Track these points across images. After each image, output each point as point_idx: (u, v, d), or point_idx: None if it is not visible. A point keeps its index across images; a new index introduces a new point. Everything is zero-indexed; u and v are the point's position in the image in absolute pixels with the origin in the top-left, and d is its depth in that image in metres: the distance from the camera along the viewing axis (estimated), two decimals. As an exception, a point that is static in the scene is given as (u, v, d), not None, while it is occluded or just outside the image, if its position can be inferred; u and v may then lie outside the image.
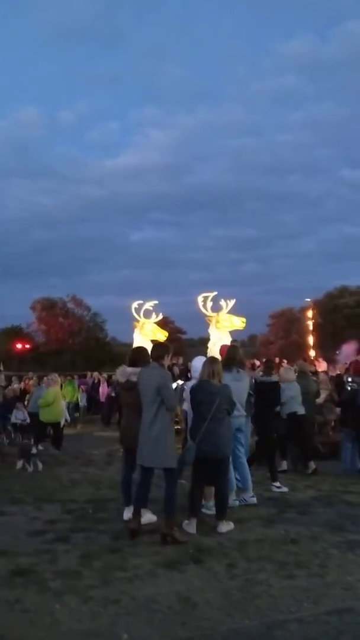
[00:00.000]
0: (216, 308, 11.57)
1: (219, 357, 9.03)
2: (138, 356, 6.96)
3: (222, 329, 11.34)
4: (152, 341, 12.35)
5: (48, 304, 60.20)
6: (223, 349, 11.82)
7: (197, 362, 7.45)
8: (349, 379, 10.69)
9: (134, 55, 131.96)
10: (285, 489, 8.19)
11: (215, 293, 11.67)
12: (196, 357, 8.10)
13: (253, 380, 9.08)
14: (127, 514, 6.60)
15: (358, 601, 4.43)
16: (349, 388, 10.36)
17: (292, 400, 9.71)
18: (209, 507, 6.72)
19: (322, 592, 4.58)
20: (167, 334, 13.49)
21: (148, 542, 5.78)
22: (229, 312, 11.49)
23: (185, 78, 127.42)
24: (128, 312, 13.26)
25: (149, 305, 13.27)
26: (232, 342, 10.34)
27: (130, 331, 13.44)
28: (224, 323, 11.40)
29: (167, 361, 6.33)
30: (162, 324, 13.81)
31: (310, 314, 35.37)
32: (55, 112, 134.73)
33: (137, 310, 13.19)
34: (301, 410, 9.73)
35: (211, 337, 11.34)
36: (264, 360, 10.95)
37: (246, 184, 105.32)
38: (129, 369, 6.79)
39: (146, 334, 12.83)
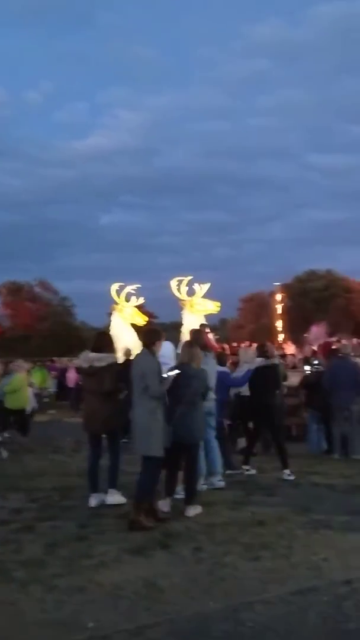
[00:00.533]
0: (190, 292, 11.50)
1: None
2: (101, 342, 6.90)
3: (197, 313, 11.24)
4: (132, 325, 12.25)
5: (14, 288, 59.21)
6: (192, 333, 11.81)
7: (165, 347, 7.39)
8: (315, 361, 10.79)
9: (102, 34, 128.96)
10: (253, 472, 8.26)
11: (190, 277, 11.59)
12: (164, 342, 8.04)
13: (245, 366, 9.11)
14: (94, 501, 6.58)
15: (322, 581, 4.48)
16: (315, 370, 10.46)
17: None
18: (178, 492, 6.73)
19: (287, 573, 4.62)
20: (146, 318, 13.29)
21: (115, 529, 5.76)
22: (204, 296, 11.44)
23: (154, 58, 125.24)
24: (99, 296, 13.15)
25: (131, 288, 13.07)
26: (201, 325, 10.32)
27: (100, 315, 13.36)
28: (198, 307, 11.30)
29: (158, 347, 6.28)
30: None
31: (279, 297, 35.57)
32: (20, 92, 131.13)
33: (118, 292, 12.97)
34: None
35: (185, 321, 11.20)
36: (258, 344, 10.82)
37: (217, 167, 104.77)
38: (92, 355, 6.73)
39: (125, 317, 12.66)
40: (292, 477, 7.88)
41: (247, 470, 8.26)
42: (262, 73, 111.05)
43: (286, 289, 44.08)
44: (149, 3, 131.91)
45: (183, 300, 11.36)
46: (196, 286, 11.45)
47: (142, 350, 6.32)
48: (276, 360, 9.20)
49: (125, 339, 11.40)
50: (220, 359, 8.65)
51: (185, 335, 10.18)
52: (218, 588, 4.37)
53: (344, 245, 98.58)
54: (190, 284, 11.54)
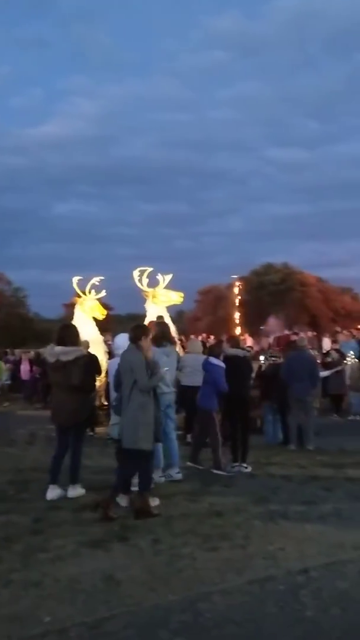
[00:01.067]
0: (152, 283, 11.39)
1: None
2: (65, 334, 6.83)
3: (160, 304, 11.14)
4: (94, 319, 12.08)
5: (-36, 278, 57.90)
6: (151, 325, 11.73)
7: (120, 339, 7.35)
8: (271, 354, 10.91)
9: (61, 20, 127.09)
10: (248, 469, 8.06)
11: (151, 269, 11.48)
12: (119, 334, 7.97)
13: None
14: (51, 493, 6.50)
15: (279, 569, 4.53)
16: (271, 362, 10.58)
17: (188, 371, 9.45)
18: (134, 484, 6.68)
19: (244, 563, 4.66)
20: (105, 312, 13.13)
21: (72, 522, 5.70)
22: (166, 287, 11.35)
23: (114, 47, 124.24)
24: (53, 287, 12.99)
25: (95, 280, 12.85)
26: (158, 317, 10.29)
27: (55, 307, 13.20)
28: (162, 298, 11.20)
29: (145, 342, 6.25)
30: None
31: (236, 290, 35.82)
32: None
33: (80, 285, 12.74)
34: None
35: (148, 313, 11.12)
36: (230, 335, 10.69)
37: (176, 158, 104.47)
38: (58, 349, 6.68)
39: (86, 310, 12.47)
40: (249, 469, 7.94)
41: (246, 467, 8.08)
42: (221, 65, 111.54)
43: (243, 282, 44.37)
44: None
45: (146, 291, 11.22)
46: (159, 277, 11.33)
47: (129, 346, 6.32)
48: (245, 352, 9.18)
49: (86, 332, 11.26)
50: (213, 351, 8.64)
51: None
52: (176, 579, 4.37)
53: (301, 239, 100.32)
54: (152, 275, 11.44)
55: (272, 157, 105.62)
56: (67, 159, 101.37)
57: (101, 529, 5.44)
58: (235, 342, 9.12)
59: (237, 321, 33.80)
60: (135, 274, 11.31)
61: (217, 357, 8.31)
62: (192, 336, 16.71)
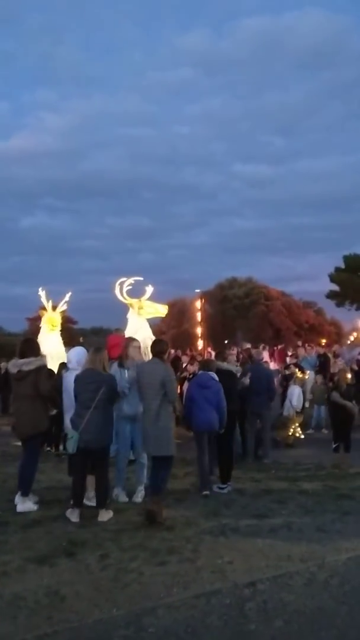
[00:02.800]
0: (133, 295, 11.08)
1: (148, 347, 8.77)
2: (27, 348, 6.87)
3: (145, 316, 10.81)
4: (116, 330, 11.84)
5: None
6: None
7: (74, 354, 7.30)
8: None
9: (28, 35, 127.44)
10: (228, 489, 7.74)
11: (132, 281, 11.07)
12: (73, 348, 7.88)
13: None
14: (22, 506, 6.47)
15: (226, 583, 4.55)
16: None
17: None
18: (89, 498, 6.63)
19: (191, 577, 4.66)
20: (56, 325, 12.91)
21: (20, 538, 5.61)
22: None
23: (81, 62, 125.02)
24: (16, 300, 12.83)
25: (67, 296, 12.67)
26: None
27: (18, 320, 13.01)
28: (148, 309, 10.83)
29: (166, 356, 6.53)
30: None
31: (198, 304, 35.95)
32: None
33: (47, 297, 12.54)
34: None
35: (130, 324, 10.60)
36: (218, 350, 10.27)
37: (142, 173, 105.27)
38: (21, 360, 6.69)
39: (53, 323, 12.27)
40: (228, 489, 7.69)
41: (222, 488, 7.72)
42: (188, 82, 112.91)
43: (208, 295, 44.58)
44: (79, 7, 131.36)
45: (130, 302, 10.88)
46: (148, 287, 10.96)
47: (154, 360, 6.58)
48: (232, 367, 8.90)
49: (50, 346, 11.08)
50: (207, 365, 8.29)
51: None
52: (122, 594, 4.36)
53: (265, 253, 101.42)
54: (134, 286, 11.16)
55: (238, 173, 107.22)
56: (34, 172, 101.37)
57: (48, 545, 5.38)
58: (222, 356, 8.84)
59: (200, 335, 33.82)
60: (116, 285, 10.99)
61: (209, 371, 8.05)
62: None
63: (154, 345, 6.87)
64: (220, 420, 7.58)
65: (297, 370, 13.01)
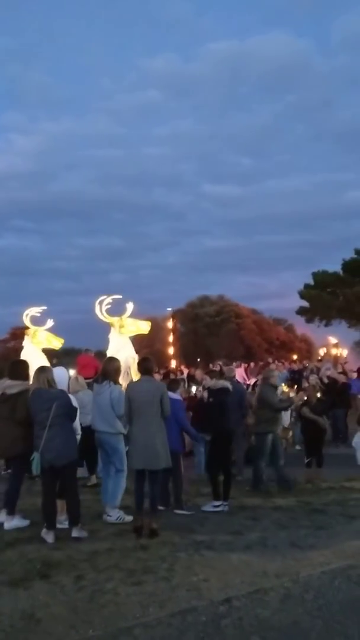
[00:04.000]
0: (113, 313, 10.95)
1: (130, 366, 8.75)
2: (17, 370, 7.04)
3: (127, 334, 10.61)
4: (45, 350, 11.68)
5: None
6: (82, 360, 11.50)
7: (57, 373, 7.23)
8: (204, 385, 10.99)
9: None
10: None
11: (111, 300, 10.91)
12: (55, 367, 7.80)
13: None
14: (8, 524, 6.51)
15: (201, 601, 4.56)
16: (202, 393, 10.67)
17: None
18: (61, 522, 6.57)
19: (167, 596, 4.66)
20: (63, 340, 12.65)
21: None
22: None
23: (49, 85, 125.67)
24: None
25: (35, 311, 12.42)
26: (85, 350, 10.15)
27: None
28: (130, 327, 10.59)
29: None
30: (23, 335, 12.95)
31: (170, 323, 36.04)
32: None
33: (29, 317, 12.32)
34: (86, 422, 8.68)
35: (112, 344, 10.22)
36: (212, 367, 10.06)
37: (112, 194, 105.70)
38: (7, 382, 6.81)
39: (39, 342, 11.93)
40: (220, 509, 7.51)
41: (216, 506, 7.55)
42: (156, 104, 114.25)
43: (179, 314, 44.73)
44: (48, 31, 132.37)
45: (111, 321, 10.68)
46: (130, 305, 10.79)
47: (145, 377, 6.77)
48: (226, 384, 8.50)
49: (37, 364, 10.88)
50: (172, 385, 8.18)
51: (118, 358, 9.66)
52: (98, 615, 4.34)
53: (236, 272, 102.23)
54: (113, 304, 11.02)
55: (207, 193, 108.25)
56: (3, 194, 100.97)
57: (21, 567, 5.31)
58: (219, 373, 8.84)
59: (172, 353, 33.89)
60: (96, 305, 10.84)
61: (173, 391, 7.96)
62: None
63: (143, 362, 6.98)
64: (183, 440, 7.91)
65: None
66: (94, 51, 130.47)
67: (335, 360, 25.19)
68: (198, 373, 16.76)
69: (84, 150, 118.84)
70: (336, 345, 35.34)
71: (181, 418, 7.81)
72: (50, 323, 12.12)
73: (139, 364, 7.10)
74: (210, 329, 52.70)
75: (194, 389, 12.09)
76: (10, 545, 5.94)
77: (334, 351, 33.62)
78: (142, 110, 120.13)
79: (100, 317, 10.56)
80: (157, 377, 13.38)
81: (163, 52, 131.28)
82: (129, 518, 6.83)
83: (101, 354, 11.85)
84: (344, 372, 16.40)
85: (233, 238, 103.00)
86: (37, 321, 12.17)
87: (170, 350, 36.37)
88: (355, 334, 42.56)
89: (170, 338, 38.81)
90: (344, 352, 33.26)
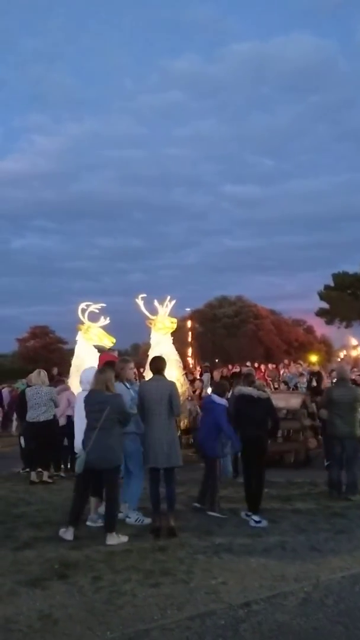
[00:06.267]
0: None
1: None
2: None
3: (89, 341, 10.97)
4: (96, 346, 11.75)
5: None
6: (102, 357, 11.53)
7: (85, 374, 7.25)
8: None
9: (21, 60, 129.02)
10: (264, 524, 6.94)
11: (98, 306, 11.17)
12: (86, 368, 7.80)
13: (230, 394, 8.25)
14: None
15: (220, 604, 4.51)
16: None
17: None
18: (94, 520, 6.57)
19: (185, 598, 4.61)
20: (114, 340, 12.69)
21: (11, 561, 5.54)
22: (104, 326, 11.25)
23: (73, 86, 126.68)
24: (6, 321, 12.62)
25: (94, 307, 12.47)
26: (103, 351, 10.17)
27: (7, 341, 12.80)
28: (92, 335, 11.00)
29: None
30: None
31: (189, 323, 36.01)
32: None
33: (84, 312, 12.43)
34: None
35: (152, 341, 10.87)
36: (245, 372, 9.77)
37: (133, 194, 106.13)
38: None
39: (90, 338, 11.97)
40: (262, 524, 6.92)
41: (258, 522, 6.95)
42: (178, 105, 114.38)
43: (197, 314, 44.66)
44: (71, 33, 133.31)
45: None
46: (106, 320, 11.13)
47: (156, 377, 6.86)
48: (263, 394, 7.69)
49: (90, 361, 10.85)
50: (218, 389, 8.10)
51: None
52: (116, 616, 4.30)
53: (255, 272, 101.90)
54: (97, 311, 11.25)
55: (227, 193, 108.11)
56: (26, 194, 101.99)
57: (40, 567, 5.32)
58: (249, 380, 8.01)
59: (190, 354, 33.85)
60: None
61: (221, 395, 7.90)
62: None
63: (154, 362, 7.05)
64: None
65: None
66: (117, 52, 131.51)
67: (355, 362, 24.95)
68: (216, 374, 16.72)
69: (105, 150, 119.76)
70: (356, 347, 35.06)
71: (222, 423, 7.53)
72: (104, 321, 12.14)
73: (150, 363, 7.12)
74: (229, 330, 52.57)
75: (209, 390, 11.99)
76: (28, 545, 5.94)
77: (354, 353, 33.34)
78: (164, 111, 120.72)
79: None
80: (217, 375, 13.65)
81: (186, 53, 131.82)
82: (148, 520, 6.80)
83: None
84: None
85: (253, 238, 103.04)
86: (93, 318, 12.20)
87: (189, 351, 36.31)
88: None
89: (189, 338, 38.75)
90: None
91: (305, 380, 15.22)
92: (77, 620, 4.23)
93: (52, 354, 44.47)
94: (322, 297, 43.18)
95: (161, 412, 6.59)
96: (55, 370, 15.60)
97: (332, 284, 42.68)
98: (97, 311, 12.13)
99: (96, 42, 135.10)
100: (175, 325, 11.17)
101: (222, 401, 7.80)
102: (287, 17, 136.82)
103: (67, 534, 6.13)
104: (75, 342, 11.89)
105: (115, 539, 6.10)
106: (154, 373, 6.95)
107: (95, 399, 6.34)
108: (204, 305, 56.12)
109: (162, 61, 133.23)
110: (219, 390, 8.08)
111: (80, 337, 11.82)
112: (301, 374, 16.34)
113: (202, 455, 8.08)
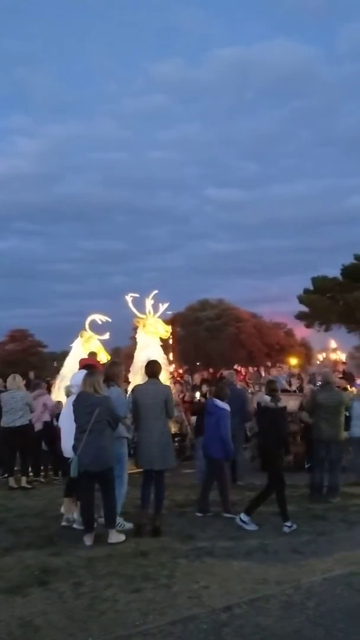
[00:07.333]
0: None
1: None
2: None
3: (149, 334, 11.13)
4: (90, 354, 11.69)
5: None
6: (82, 362, 11.52)
7: (75, 377, 7.23)
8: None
9: (5, 62, 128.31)
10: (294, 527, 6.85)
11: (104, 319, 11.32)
12: (78, 371, 7.74)
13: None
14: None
15: (202, 608, 4.49)
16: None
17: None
18: (69, 520, 6.56)
19: (168, 603, 4.60)
20: (169, 329, 12.58)
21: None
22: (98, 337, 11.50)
23: (57, 89, 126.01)
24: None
25: (99, 319, 12.35)
26: (90, 354, 10.17)
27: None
28: (150, 328, 11.23)
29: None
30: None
31: (170, 327, 35.99)
32: None
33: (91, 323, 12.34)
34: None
35: (139, 343, 11.04)
36: (269, 381, 9.67)
37: (116, 197, 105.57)
38: None
39: (90, 349, 11.89)
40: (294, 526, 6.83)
41: (290, 527, 6.81)
42: (162, 109, 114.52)
43: (179, 317, 44.64)
44: (55, 35, 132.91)
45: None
46: (106, 336, 11.28)
47: (151, 380, 6.89)
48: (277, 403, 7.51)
49: (152, 354, 10.70)
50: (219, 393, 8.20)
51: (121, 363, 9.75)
52: (97, 623, 4.27)
53: (237, 275, 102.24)
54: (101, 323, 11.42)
55: (211, 197, 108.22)
56: (7, 196, 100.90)
57: (18, 574, 5.25)
58: (271, 389, 7.67)
59: (171, 357, 33.74)
60: (128, 299, 11.06)
61: (222, 399, 7.97)
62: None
63: (150, 366, 7.06)
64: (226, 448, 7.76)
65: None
66: (101, 55, 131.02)
67: (335, 365, 25.11)
68: (196, 377, 16.77)
69: (89, 153, 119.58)
70: (335, 350, 35.26)
71: (222, 427, 7.69)
72: (106, 336, 12.14)
73: (145, 367, 7.10)
74: (211, 333, 52.57)
75: (197, 394, 12.05)
76: (7, 551, 5.88)
77: (333, 356, 33.54)
78: (148, 115, 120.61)
79: (134, 310, 11.35)
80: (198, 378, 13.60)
81: (170, 57, 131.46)
82: (129, 525, 6.76)
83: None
84: (345, 376, 16.31)
85: (236, 242, 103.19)
86: (97, 328, 12.14)
87: (170, 355, 36.30)
88: (354, 338, 42.49)
89: (170, 341, 38.73)
90: (342, 356, 33.19)
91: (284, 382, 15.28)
92: (58, 627, 4.18)
93: (31, 357, 44.19)
94: (301, 300, 43.32)
95: (157, 415, 6.67)
96: (31, 375, 15.48)
97: (311, 287, 42.87)
98: (100, 322, 12.13)
99: (80, 45, 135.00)
100: (169, 334, 11.21)
101: (225, 406, 7.91)
102: (271, 23, 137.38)
103: (87, 539, 6.19)
104: (68, 348, 11.91)
105: (116, 537, 6.16)
106: (149, 377, 6.96)
107: (85, 401, 6.33)
108: (185, 309, 56.12)
109: (146, 65, 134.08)
110: (220, 394, 8.18)
111: (78, 344, 11.78)
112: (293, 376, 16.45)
113: (207, 458, 8.07)
